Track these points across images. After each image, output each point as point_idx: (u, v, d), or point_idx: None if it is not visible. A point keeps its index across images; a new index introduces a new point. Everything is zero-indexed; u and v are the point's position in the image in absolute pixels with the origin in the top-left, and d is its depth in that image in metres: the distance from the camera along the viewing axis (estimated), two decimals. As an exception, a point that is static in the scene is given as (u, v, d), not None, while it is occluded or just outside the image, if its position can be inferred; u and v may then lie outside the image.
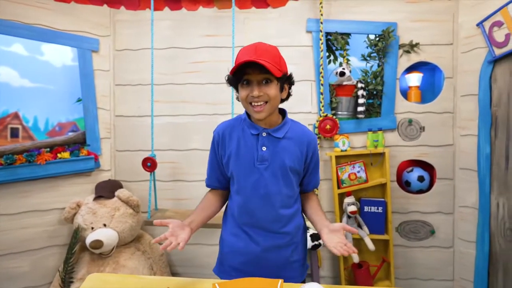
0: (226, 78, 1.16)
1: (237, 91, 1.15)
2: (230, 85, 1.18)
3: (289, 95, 1.19)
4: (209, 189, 1.30)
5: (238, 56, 1.10)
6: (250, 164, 1.13)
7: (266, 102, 1.08)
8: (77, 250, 2.08)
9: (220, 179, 1.24)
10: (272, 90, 1.08)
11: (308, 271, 2.17)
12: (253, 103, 1.09)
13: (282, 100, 1.17)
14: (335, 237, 1.03)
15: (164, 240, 1.02)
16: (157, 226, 1.09)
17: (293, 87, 1.20)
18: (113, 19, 2.36)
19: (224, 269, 1.24)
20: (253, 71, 1.07)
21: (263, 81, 1.08)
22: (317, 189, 1.19)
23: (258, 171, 1.13)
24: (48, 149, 2.15)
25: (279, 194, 1.15)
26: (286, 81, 1.14)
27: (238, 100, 1.18)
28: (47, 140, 2.21)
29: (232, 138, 1.17)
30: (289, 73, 1.15)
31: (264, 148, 1.13)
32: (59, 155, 2.13)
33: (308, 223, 2.15)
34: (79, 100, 2.31)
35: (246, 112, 1.18)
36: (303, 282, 1.22)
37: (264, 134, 1.14)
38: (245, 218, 1.18)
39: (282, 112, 1.21)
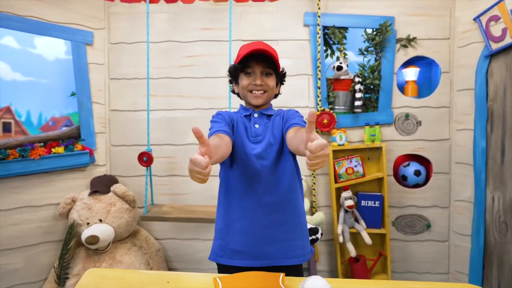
0: (230, 67, 1.26)
1: (235, 82, 1.27)
2: (230, 75, 1.28)
3: (279, 92, 1.32)
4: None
5: (243, 49, 1.20)
6: (245, 140, 1.20)
7: (265, 92, 1.22)
8: (73, 245, 2.06)
9: (230, 127, 1.20)
10: (272, 81, 1.23)
11: (305, 265, 2.18)
12: (253, 91, 1.21)
13: (275, 96, 1.31)
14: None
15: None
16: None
17: (290, 81, 1.32)
18: (108, 11, 2.32)
19: (220, 252, 1.24)
20: (257, 63, 1.19)
21: (265, 73, 1.21)
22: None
23: (252, 145, 1.20)
24: (42, 144, 2.11)
25: (273, 164, 1.18)
26: (281, 78, 1.29)
27: (233, 93, 1.32)
28: (41, 134, 2.17)
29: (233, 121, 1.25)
30: (283, 71, 1.29)
31: (257, 125, 1.23)
32: (53, 150, 2.09)
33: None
34: (73, 94, 2.27)
35: (241, 106, 1.31)
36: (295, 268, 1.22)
37: (256, 115, 1.25)
38: (239, 191, 1.20)
39: None
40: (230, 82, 1.32)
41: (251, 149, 1.19)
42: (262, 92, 1.21)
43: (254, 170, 1.17)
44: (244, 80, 1.22)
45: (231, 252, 1.20)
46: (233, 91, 1.32)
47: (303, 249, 1.24)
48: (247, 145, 1.19)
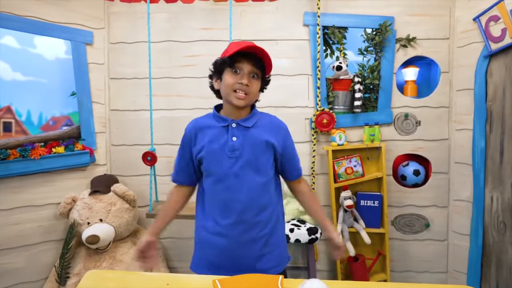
0: (217, 60, 1.18)
1: (218, 77, 1.18)
2: (214, 69, 1.19)
3: (258, 99, 1.25)
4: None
5: (233, 46, 1.13)
6: (222, 155, 1.15)
7: (247, 95, 1.13)
8: (73, 245, 2.07)
9: (190, 174, 1.24)
10: (256, 85, 1.16)
11: (305, 264, 2.20)
12: (237, 91, 1.12)
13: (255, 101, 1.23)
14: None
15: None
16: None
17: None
18: (107, 11, 2.32)
19: (200, 263, 1.25)
20: (247, 62, 1.12)
21: (252, 74, 1.14)
22: (303, 178, 1.29)
23: (230, 160, 1.14)
24: (42, 144, 2.11)
25: (252, 182, 1.15)
26: (265, 84, 1.21)
27: (212, 89, 1.22)
28: (41, 134, 2.18)
29: (204, 133, 1.19)
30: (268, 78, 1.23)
31: (234, 138, 1.15)
32: (53, 149, 2.10)
33: (305, 217, 2.18)
34: (73, 94, 2.28)
35: (215, 108, 1.23)
36: (282, 273, 1.22)
37: (233, 125, 1.17)
38: (217, 208, 1.18)
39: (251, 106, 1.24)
40: (210, 77, 1.23)
41: (228, 167, 1.14)
42: (245, 94, 1.13)
43: (231, 188, 1.14)
44: (229, 78, 1.13)
45: (209, 264, 1.21)
46: (212, 87, 1.23)
47: (279, 260, 1.23)
48: (224, 162, 1.15)
